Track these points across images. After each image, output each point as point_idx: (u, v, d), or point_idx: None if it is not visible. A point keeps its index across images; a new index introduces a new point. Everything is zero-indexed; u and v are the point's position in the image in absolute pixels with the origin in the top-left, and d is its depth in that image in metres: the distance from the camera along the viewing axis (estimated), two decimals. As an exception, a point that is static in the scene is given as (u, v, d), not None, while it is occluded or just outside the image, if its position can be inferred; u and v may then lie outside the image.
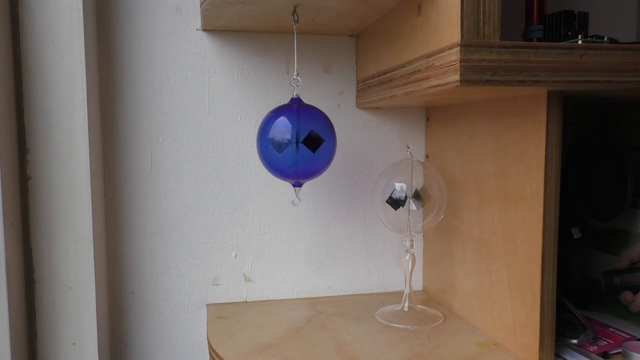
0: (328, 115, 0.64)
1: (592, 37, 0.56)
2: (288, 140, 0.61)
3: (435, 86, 0.52)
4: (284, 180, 0.65)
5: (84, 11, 0.65)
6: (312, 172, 0.63)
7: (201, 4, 0.65)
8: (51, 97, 0.65)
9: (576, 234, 0.70)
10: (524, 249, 0.58)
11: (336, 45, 0.80)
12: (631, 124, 0.77)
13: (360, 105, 0.80)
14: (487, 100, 0.65)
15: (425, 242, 0.84)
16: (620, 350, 0.61)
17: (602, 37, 0.55)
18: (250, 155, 0.78)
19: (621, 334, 0.65)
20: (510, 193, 0.60)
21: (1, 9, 0.61)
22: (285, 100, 0.66)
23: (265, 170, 0.68)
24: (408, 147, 0.71)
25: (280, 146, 0.61)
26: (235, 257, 0.79)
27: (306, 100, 0.66)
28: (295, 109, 0.62)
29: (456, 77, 0.47)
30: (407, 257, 0.71)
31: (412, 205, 0.67)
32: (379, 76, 0.70)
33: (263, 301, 0.80)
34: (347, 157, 0.81)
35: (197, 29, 0.75)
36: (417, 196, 0.68)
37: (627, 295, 0.69)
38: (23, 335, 0.65)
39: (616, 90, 0.53)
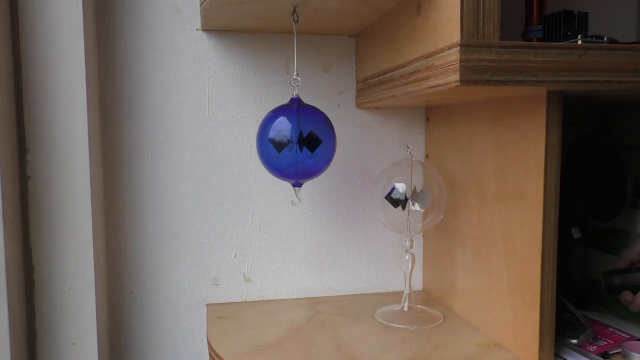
0: (328, 115, 0.64)
1: (592, 37, 0.56)
2: (288, 140, 0.61)
3: (435, 86, 0.52)
4: (284, 180, 0.65)
5: (84, 11, 0.65)
6: (311, 172, 0.63)
7: (201, 4, 0.65)
8: (51, 97, 0.65)
9: (576, 234, 0.70)
10: (524, 249, 0.58)
11: (336, 45, 0.80)
12: (631, 124, 0.77)
13: (360, 105, 0.80)
14: (487, 100, 0.65)
15: (425, 242, 0.84)
16: (620, 350, 0.61)
17: (602, 37, 0.54)
18: (250, 155, 0.78)
19: (621, 334, 0.65)
20: (510, 193, 0.60)
21: (1, 9, 0.61)
22: (285, 100, 0.66)
23: (265, 170, 0.68)
24: (408, 147, 0.71)
25: (280, 146, 0.61)
26: (235, 257, 0.79)
27: (306, 100, 0.66)
28: (295, 109, 0.62)
29: (456, 77, 0.47)
30: (407, 257, 0.71)
31: (412, 205, 0.67)
32: (378, 76, 0.70)
33: (263, 301, 0.80)
34: (347, 157, 0.81)
35: (197, 29, 0.75)
36: (418, 196, 0.68)
37: (627, 295, 0.69)
38: (23, 335, 0.65)
39: (616, 90, 0.53)
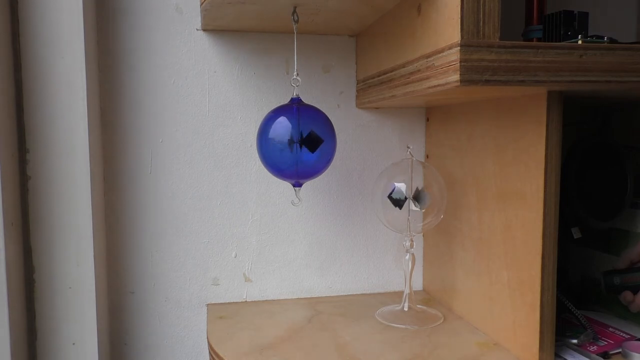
0: (328, 115, 0.64)
1: (592, 37, 0.56)
2: (288, 140, 0.61)
3: (435, 86, 0.52)
4: (284, 180, 0.65)
5: (84, 11, 0.65)
6: (312, 172, 0.63)
7: (201, 4, 0.65)
8: (51, 97, 0.65)
9: (576, 234, 0.70)
10: (524, 249, 0.58)
11: (336, 45, 0.80)
12: (631, 124, 0.77)
13: (360, 105, 0.80)
14: (487, 100, 0.65)
15: (425, 242, 0.84)
16: (620, 350, 0.61)
17: (602, 37, 0.55)
18: (250, 155, 0.78)
19: (621, 334, 0.65)
20: (510, 193, 0.60)
21: (1, 9, 0.61)
22: (285, 100, 0.66)
23: (265, 170, 0.68)
24: (408, 147, 0.71)
25: (280, 146, 0.61)
26: (235, 257, 0.79)
27: (306, 100, 0.66)
28: (295, 109, 0.62)
29: (456, 77, 0.47)
30: (407, 257, 0.71)
31: (411, 205, 0.67)
32: (379, 76, 0.70)
33: (263, 301, 0.80)
34: (347, 157, 0.81)
35: (197, 29, 0.75)
36: (417, 197, 0.68)
37: (627, 295, 0.69)
38: (23, 335, 0.65)
39: (616, 90, 0.53)
